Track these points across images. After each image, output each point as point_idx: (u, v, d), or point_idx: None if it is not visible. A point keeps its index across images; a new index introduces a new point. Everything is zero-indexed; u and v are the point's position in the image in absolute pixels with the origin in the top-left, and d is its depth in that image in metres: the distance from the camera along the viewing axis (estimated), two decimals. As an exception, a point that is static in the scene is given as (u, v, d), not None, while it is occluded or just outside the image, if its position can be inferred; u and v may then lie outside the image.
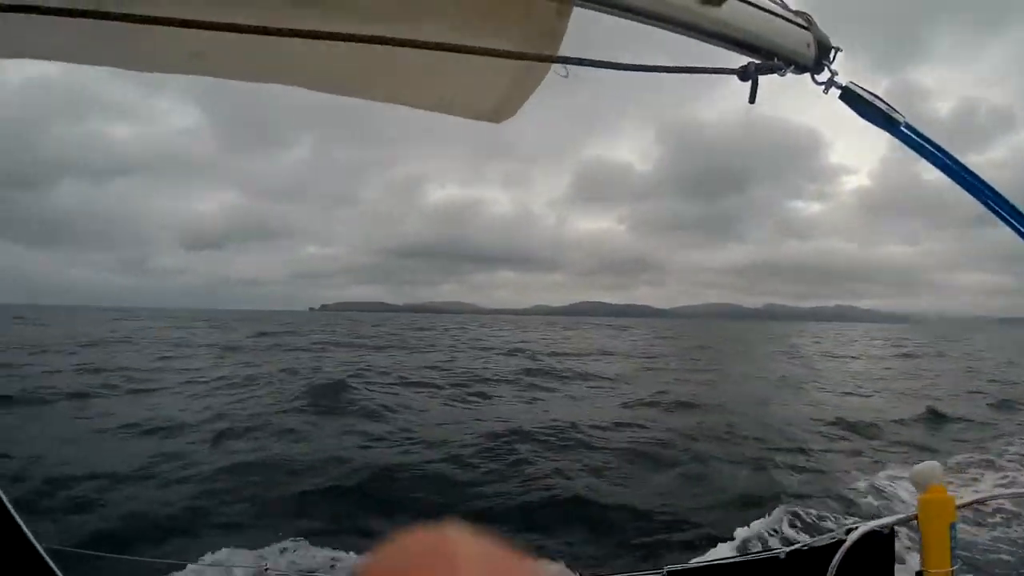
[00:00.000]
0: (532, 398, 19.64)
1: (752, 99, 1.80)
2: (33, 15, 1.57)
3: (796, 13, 1.86)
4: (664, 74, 1.77)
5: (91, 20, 1.60)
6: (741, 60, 1.82)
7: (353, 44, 1.59)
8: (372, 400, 17.34)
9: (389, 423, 14.74)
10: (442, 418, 15.72)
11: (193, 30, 1.55)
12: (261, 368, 24.84)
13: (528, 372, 26.11)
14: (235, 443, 12.46)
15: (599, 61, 1.69)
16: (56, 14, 1.58)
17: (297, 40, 1.59)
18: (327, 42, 1.60)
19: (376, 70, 2.08)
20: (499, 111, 2.23)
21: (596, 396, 20.48)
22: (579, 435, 13.76)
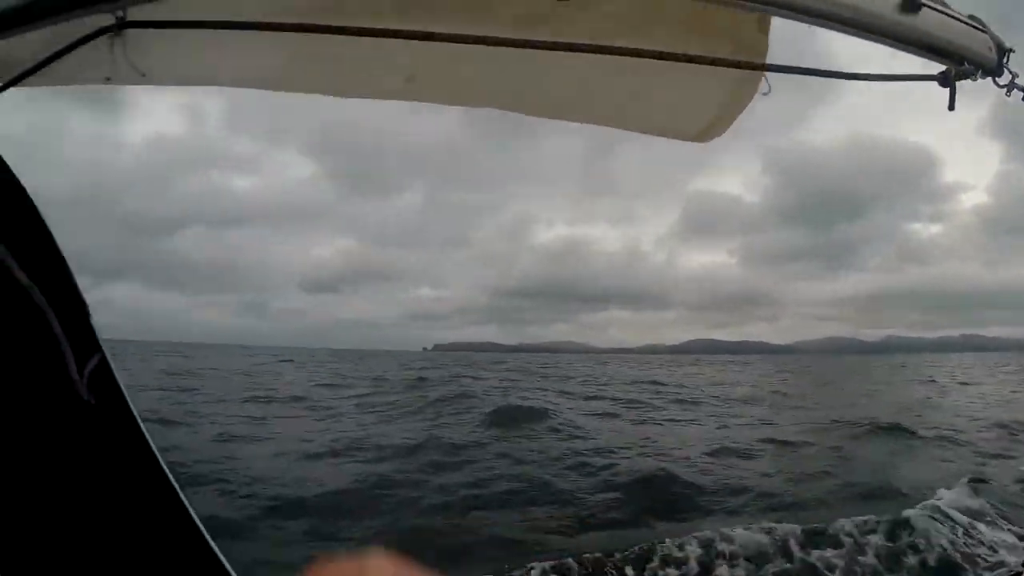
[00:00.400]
0: (706, 420, 19.84)
1: (951, 106, 1.72)
2: (245, 32, 1.72)
3: (971, 16, 1.71)
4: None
5: (295, 43, 1.78)
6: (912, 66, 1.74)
7: (574, 66, 1.79)
8: (576, 426, 16.95)
9: (603, 441, 14.92)
10: (651, 435, 16.27)
11: (407, 53, 1.79)
12: (429, 395, 24.33)
13: (680, 401, 25.79)
14: (465, 470, 11.37)
15: (807, 69, 1.72)
16: (262, 29, 1.71)
17: (512, 62, 1.81)
18: (546, 64, 1.81)
19: (591, 91, 2.01)
20: (707, 131, 2.11)
21: (765, 418, 20.59)
22: (788, 448, 14.80)
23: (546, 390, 29.25)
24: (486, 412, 17.90)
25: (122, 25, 1.74)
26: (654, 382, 37.99)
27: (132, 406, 1.55)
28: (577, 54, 1.69)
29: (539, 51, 1.68)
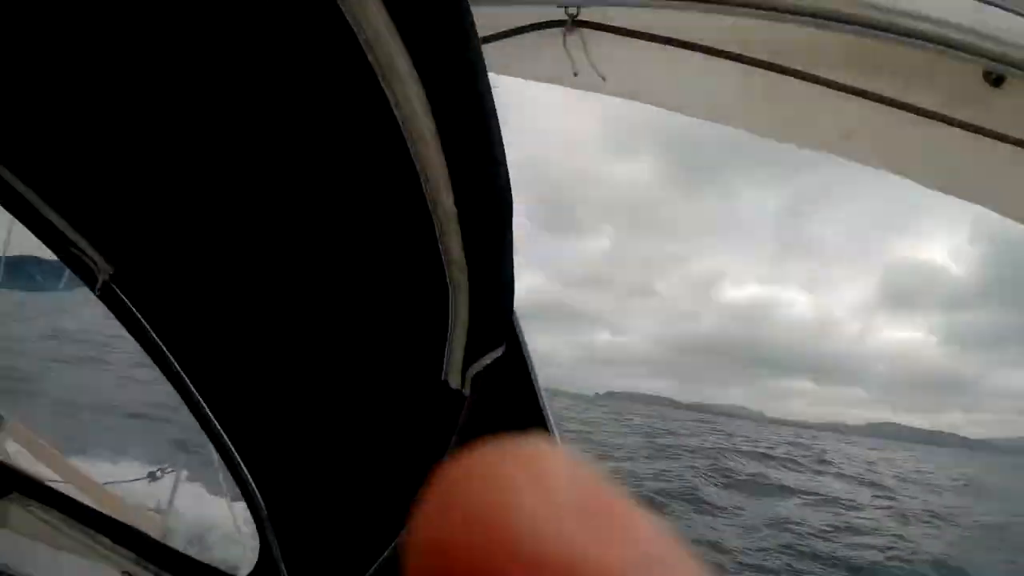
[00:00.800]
0: (955, 510, 18.09)
1: None
2: (693, 54, 1.71)
3: None
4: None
5: (741, 75, 1.75)
6: None
7: (984, 150, 1.72)
8: (828, 500, 16.33)
9: (864, 519, 14.30)
10: (907, 516, 15.47)
11: (846, 108, 1.75)
12: (655, 442, 23.81)
13: (905, 480, 24.95)
14: (734, 531, 11.06)
15: None
16: (713, 54, 1.71)
17: (937, 136, 1.76)
18: (962, 143, 1.73)
19: (989, 176, 1.96)
20: None
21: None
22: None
23: (762, 457, 27.44)
24: (721, 474, 17.09)
25: (575, 23, 1.71)
26: (865, 462, 35.01)
27: (546, 413, 1.37)
28: (991, 140, 1.69)
29: (961, 130, 1.68)
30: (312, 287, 1.41)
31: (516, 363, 1.32)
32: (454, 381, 1.25)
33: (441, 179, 0.93)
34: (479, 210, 1.02)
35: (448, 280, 1.09)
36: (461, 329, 1.18)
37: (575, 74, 1.80)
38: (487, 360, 1.24)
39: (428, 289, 1.15)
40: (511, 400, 1.38)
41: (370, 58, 0.78)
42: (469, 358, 1.23)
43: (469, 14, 0.82)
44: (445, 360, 1.23)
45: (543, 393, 1.37)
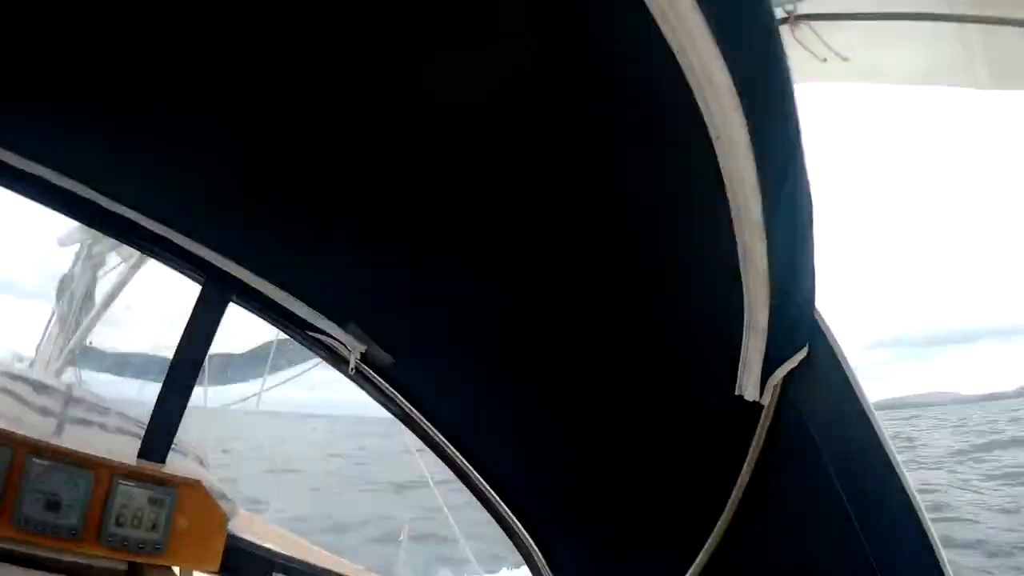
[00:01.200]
0: None
1: None
2: (908, 23, 1.68)
3: None
4: None
5: (958, 33, 1.69)
6: None
7: None
8: None
9: None
10: None
11: None
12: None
13: None
14: None
15: None
16: (927, 19, 1.71)
17: None
18: None
19: None
20: None
21: None
22: None
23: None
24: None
25: (796, 18, 1.64)
26: None
27: (867, 407, 1.20)
28: None
29: None
30: (592, 321, 1.37)
31: (825, 363, 1.20)
32: (751, 393, 1.17)
33: (750, 189, 0.90)
34: (785, 219, 0.97)
35: (745, 292, 1.03)
36: (758, 339, 1.10)
37: (823, 60, 1.74)
38: (790, 364, 1.17)
39: (716, 309, 1.11)
40: (826, 401, 1.24)
41: (689, 77, 0.78)
42: (768, 367, 1.15)
43: (778, 34, 0.81)
44: (739, 374, 1.16)
45: (862, 390, 1.22)
